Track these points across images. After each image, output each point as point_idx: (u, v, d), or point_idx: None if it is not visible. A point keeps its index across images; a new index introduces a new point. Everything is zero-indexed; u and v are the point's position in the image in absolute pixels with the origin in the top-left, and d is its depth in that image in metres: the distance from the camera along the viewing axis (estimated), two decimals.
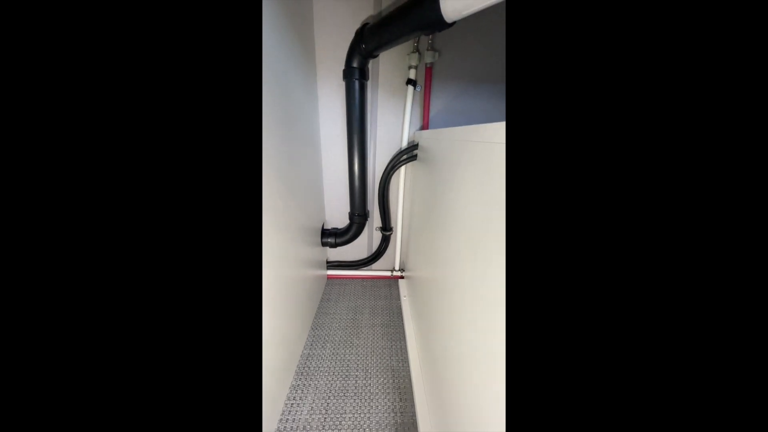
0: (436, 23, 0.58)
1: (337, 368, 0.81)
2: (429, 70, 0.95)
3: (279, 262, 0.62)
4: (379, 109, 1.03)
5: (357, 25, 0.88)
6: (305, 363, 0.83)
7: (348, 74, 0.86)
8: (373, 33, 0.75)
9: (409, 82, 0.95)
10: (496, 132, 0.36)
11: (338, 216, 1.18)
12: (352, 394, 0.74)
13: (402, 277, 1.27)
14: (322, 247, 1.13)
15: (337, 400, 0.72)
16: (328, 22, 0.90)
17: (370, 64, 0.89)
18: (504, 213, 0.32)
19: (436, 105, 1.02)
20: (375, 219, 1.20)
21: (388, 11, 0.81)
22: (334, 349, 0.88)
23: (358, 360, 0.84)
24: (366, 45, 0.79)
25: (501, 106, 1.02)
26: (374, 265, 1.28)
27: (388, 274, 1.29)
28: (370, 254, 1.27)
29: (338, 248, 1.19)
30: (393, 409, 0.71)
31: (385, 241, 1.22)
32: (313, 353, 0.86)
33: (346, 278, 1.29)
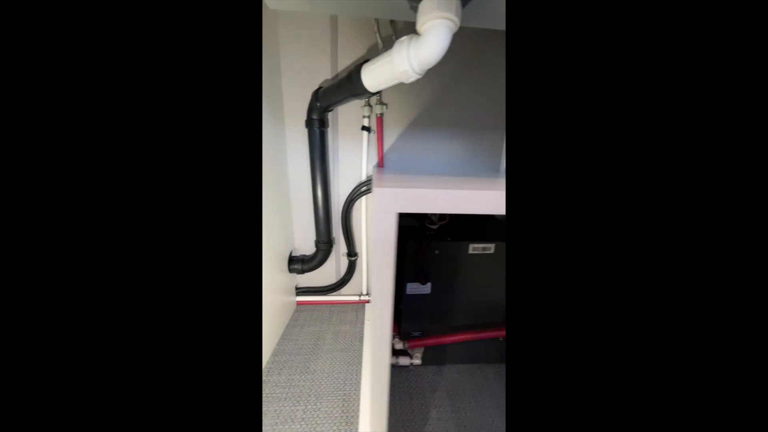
0: (364, 92, 0.74)
1: (289, 394, 0.84)
2: (379, 119, 1.13)
3: None
4: (340, 150, 1.19)
5: (318, 83, 1.07)
6: None
7: (309, 124, 1.03)
8: (324, 95, 0.92)
9: (364, 128, 1.12)
10: None
11: (308, 243, 1.27)
12: (300, 420, 0.76)
13: (369, 302, 1.32)
14: (289, 274, 1.20)
15: (284, 425, 0.74)
16: (295, 83, 1.09)
17: (330, 115, 1.06)
18: None
19: (387, 146, 1.19)
20: (343, 246, 1.29)
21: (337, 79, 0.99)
22: (289, 375, 0.91)
23: (312, 386, 0.87)
24: (320, 103, 0.96)
25: (438, 146, 1.20)
26: (343, 290, 1.34)
27: (357, 299, 1.34)
28: (338, 279, 1.33)
29: (309, 275, 1.26)
30: None
31: (351, 266, 1.29)
32: (268, 380, 0.89)
33: (316, 304, 1.33)
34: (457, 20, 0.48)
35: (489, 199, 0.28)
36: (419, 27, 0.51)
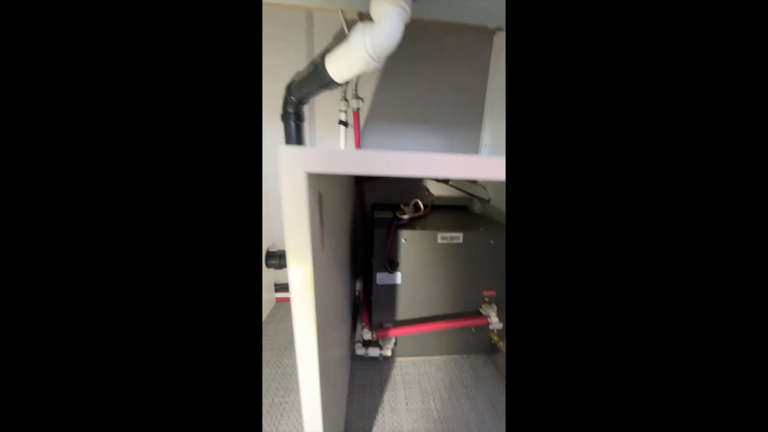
0: (331, 82, 0.75)
1: None
2: (356, 113, 1.14)
3: None
4: (318, 144, 1.19)
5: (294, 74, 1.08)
6: None
7: (285, 117, 1.03)
8: (296, 88, 0.93)
9: (341, 122, 1.13)
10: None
11: None
12: (265, 412, 0.74)
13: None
14: (267, 269, 1.18)
15: None
16: (271, 77, 1.10)
17: (306, 108, 1.07)
18: None
19: (364, 139, 1.19)
20: None
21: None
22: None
23: (281, 380, 0.86)
24: (294, 96, 0.97)
25: (415, 140, 1.21)
26: None
27: None
28: None
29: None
30: (302, 426, 0.72)
31: None
32: None
33: None
34: (406, 6, 0.49)
35: (403, 160, 0.29)
36: (372, 13, 0.52)
